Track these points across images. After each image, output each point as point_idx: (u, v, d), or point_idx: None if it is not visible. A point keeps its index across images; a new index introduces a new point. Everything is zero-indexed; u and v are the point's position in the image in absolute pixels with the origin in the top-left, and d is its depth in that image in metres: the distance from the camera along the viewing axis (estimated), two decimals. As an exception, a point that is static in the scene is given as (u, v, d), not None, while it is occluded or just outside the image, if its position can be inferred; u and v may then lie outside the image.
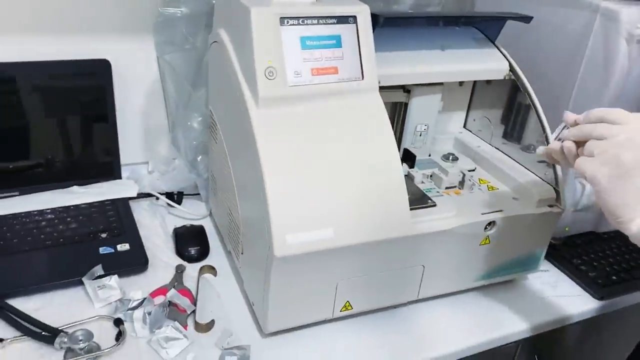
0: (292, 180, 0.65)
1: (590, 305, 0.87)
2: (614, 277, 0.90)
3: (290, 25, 0.68)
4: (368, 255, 0.70)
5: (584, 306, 0.86)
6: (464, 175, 0.83)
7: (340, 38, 0.71)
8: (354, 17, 0.72)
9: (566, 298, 0.87)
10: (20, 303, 0.74)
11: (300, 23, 0.69)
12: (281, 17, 0.67)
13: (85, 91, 0.95)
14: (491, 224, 0.77)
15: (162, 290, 0.78)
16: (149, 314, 0.72)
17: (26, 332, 0.69)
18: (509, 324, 0.81)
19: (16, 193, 0.93)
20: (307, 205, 0.65)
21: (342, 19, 0.71)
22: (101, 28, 0.93)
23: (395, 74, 0.79)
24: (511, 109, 0.94)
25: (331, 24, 0.71)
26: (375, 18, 0.73)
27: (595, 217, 1.02)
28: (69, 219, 0.89)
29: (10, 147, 0.92)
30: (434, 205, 0.76)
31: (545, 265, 0.94)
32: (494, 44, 0.88)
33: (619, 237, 1.00)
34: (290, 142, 0.67)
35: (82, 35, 0.93)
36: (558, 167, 0.81)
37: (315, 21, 0.70)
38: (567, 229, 0.99)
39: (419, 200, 0.76)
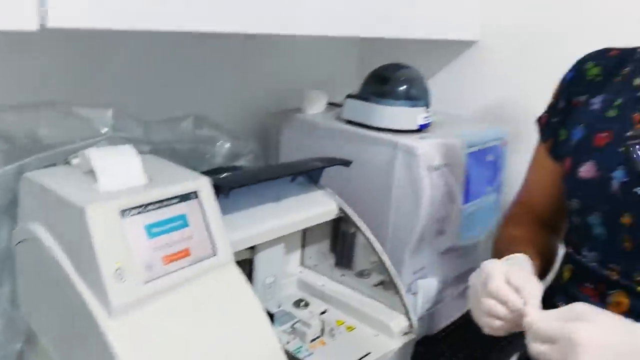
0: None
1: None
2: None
3: (132, 216, 0.61)
4: None
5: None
6: (323, 322, 0.83)
7: (186, 217, 0.66)
8: (196, 193, 0.68)
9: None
10: None
11: (143, 211, 0.62)
12: (121, 210, 0.60)
13: None
14: (364, 369, 0.77)
15: None
16: None
17: None
18: None
19: None
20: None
21: (185, 197, 0.67)
22: None
23: (240, 238, 0.76)
24: (338, 238, 0.98)
25: (174, 204, 0.66)
26: (217, 188, 0.70)
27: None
28: None
29: None
30: (311, 368, 0.73)
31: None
32: (319, 186, 0.93)
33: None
34: (154, 345, 0.58)
35: None
36: (402, 289, 0.86)
37: (157, 205, 0.64)
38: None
39: (295, 367, 0.73)
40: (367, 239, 0.90)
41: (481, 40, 1.25)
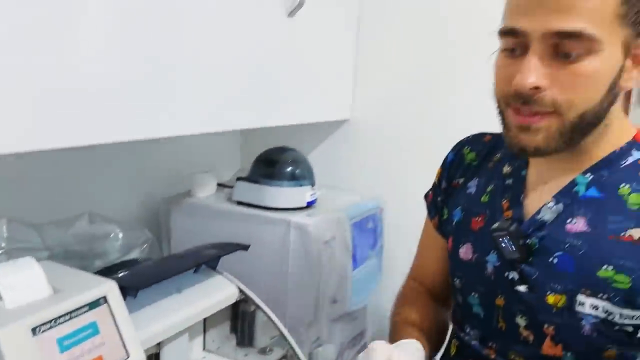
0: None
1: None
2: None
3: (44, 332, 0.61)
4: None
5: None
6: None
7: (97, 324, 0.66)
8: (105, 298, 0.69)
9: None
10: None
11: (54, 325, 0.62)
12: (32, 328, 0.59)
13: None
14: None
15: None
16: None
17: None
18: None
19: None
20: None
21: (94, 304, 0.67)
22: None
23: (148, 337, 0.77)
24: (238, 318, 1.01)
25: (84, 312, 0.66)
26: (124, 289, 0.71)
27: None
28: None
29: None
30: None
31: None
32: (217, 271, 0.96)
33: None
34: None
35: None
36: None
37: (68, 317, 0.64)
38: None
39: None
40: (268, 315, 0.95)
41: (352, 118, 1.39)
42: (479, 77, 1.20)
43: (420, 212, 1.31)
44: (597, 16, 0.60)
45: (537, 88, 0.62)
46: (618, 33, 0.62)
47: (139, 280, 0.77)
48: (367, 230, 1.22)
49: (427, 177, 1.33)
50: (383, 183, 1.36)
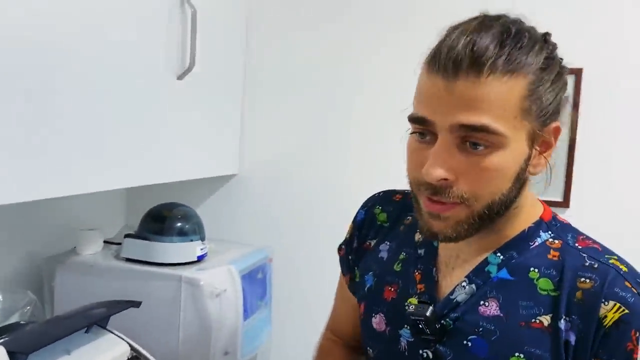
0: None
1: None
2: None
3: None
4: None
5: None
6: None
7: (-17, 392, 0.65)
8: (-8, 363, 0.67)
9: None
10: None
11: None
12: None
13: None
14: None
15: None
16: None
17: None
18: None
19: None
20: None
21: (-20, 371, 0.66)
22: None
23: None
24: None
25: (-31, 381, 0.64)
26: (13, 355, 0.70)
27: None
28: None
29: None
30: None
31: None
32: (107, 329, 0.95)
33: None
34: None
35: None
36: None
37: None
38: None
39: None
40: (161, 372, 0.96)
41: (239, 173, 1.46)
42: (360, 135, 1.35)
43: (308, 262, 1.40)
44: (502, 112, 0.61)
45: (445, 179, 0.63)
46: (523, 126, 0.62)
47: (28, 343, 0.76)
48: (257, 280, 1.27)
49: (313, 227, 1.43)
50: (272, 234, 1.43)
